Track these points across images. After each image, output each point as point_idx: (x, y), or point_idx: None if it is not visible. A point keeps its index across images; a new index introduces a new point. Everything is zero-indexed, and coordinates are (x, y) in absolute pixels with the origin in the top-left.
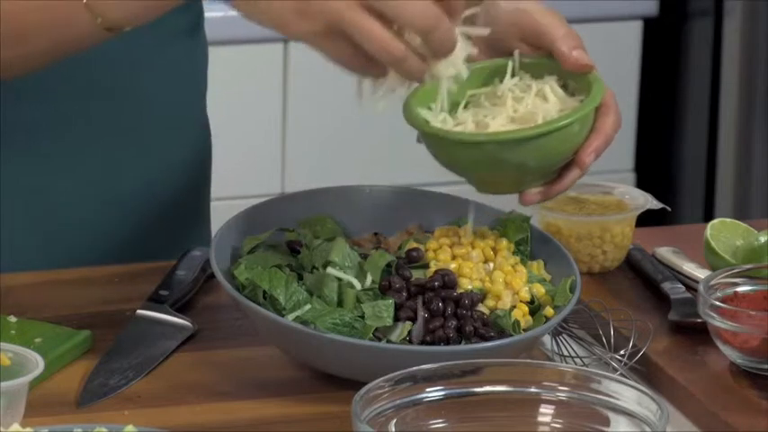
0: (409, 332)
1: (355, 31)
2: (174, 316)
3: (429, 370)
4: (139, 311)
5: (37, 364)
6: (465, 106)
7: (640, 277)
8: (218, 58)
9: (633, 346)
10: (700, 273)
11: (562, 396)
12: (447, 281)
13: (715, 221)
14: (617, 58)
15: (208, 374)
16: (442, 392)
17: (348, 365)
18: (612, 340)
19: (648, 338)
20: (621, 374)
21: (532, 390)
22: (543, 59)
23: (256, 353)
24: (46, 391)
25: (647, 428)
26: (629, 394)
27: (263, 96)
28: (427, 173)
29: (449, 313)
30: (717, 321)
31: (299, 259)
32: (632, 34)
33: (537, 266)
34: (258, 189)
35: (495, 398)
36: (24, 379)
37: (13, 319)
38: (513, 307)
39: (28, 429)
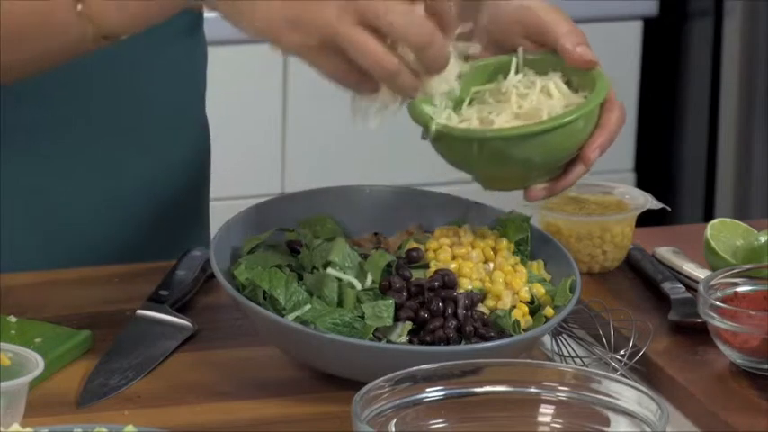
0: (409, 332)
1: (349, 46)
2: (174, 316)
3: (429, 370)
4: (139, 311)
5: (37, 364)
6: (469, 103)
7: (640, 277)
8: (218, 58)
9: (633, 346)
10: (700, 273)
11: (562, 396)
12: (447, 281)
13: (715, 221)
14: (617, 58)
15: (208, 374)
16: (442, 392)
17: (348, 365)
18: (612, 340)
19: (648, 338)
20: (621, 374)
21: (532, 390)
22: (547, 56)
23: (256, 353)
24: (46, 391)
25: (647, 428)
26: (629, 394)
27: (263, 96)
28: (427, 173)
29: (449, 313)
30: (717, 321)
31: (299, 259)
32: (632, 34)
33: (537, 266)
34: (258, 189)
35: (495, 398)
36: (24, 379)
37: (13, 319)
38: (513, 307)
39: (28, 429)
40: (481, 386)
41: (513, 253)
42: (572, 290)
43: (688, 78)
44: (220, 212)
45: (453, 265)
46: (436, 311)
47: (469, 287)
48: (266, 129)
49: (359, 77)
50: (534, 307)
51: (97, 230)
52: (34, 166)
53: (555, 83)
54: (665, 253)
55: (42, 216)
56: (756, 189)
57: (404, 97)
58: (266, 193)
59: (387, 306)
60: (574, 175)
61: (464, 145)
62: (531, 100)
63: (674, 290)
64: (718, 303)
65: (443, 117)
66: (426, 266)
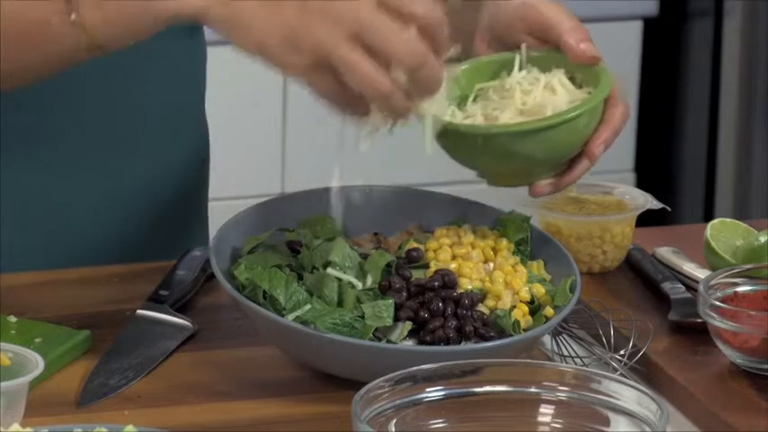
0: (409, 332)
1: (343, 65)
2: (174, 316)
3: (429, 370)
4: (139, 311)
5: (37, 364)
6: (473, 100)
7: (640, 277)
8: (218, 58)
9: (633, 346)
10: (700, 273)
11: (562, 396)
12: (447, 281)
13: (715, 221)
14: (617, 58)
15: (208, 374)
16: (442, 392)
17: (348, 365)
18: (612, 340)
19: (648, 338)
20: (621, 374)
21: (532, 390)
22: (550, 53)
23: (256, 353)
24: (46, 391)
25: (647, 428)
26: (629, 394)
27: (263, 96)
28: (427, 173)
29: (449, 313)
30: (717, 321)
31: (299, 259)
32: (632, 34)
33: (537, 266)
34: (258, 189)
35: (495, 398)
36: (24, 379)
37: (13, 319)
38: (513, 307)
39: (28, 429)
40: (481, 386)
41: (513, 253)
42: (572, 290)
43: (688, 78)
44: (220, 212)
45: (453, 265)
46: (436, 311)
47: (469, 287)
48: (266, 129)
49: (351, 99)
50: (534, 307)
51: (97, 230)
52: (34, 166)
53: (559, 79)
54: (665, 253)
55: (42, 216)
56: (756, 189)
57: (395, 119)
58: (266, 193)
59: (387, 306)
60: (578, 171)
61: (469, 141)
62: (535, 96)
63: (674, 290)
64: (718, 303)
65: (448, 114)
66: (426, 266)
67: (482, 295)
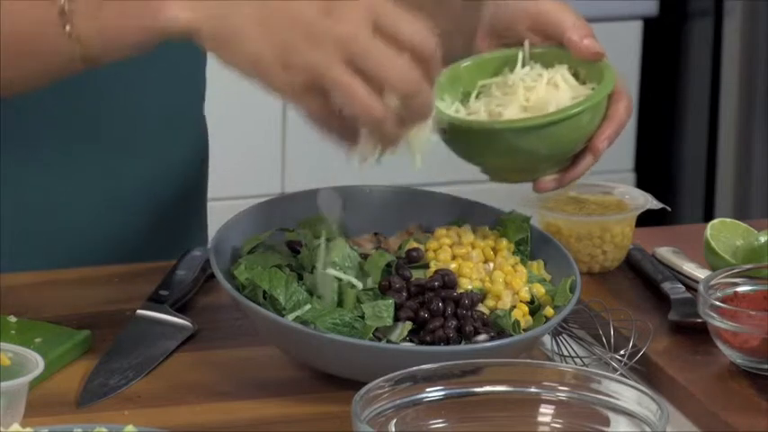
0: (409, 332)
1: (337, 88)
2: (174, 316)
3: (429, 370)
4: (139, 311)
5: (37, 364)
6: (476, 96)
7: (640, 277)
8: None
9: (633, 346)
10: (700, 273)
11: (562, 396)
12: (447, 281)
13: (715, 221)
14: (617, 58)
15: (208, 374)
16: (442, 392)
17: (348, 365)
18: (612, 340)
19: (648, 338)
20: (621, 374)
21: (532, 390)
22: (553, 49)
23: (256, 353)
24: (46, 391)
25: (647, 428)
26: (629, 394)
27: (263, 96)
28: (427, 173)
29: (449, 313)
30: (717, 321)
31: (299, 259)
32: (632, 34)
33: (537, 266)
34: (258, 189)
35: (495, 398)
36: (24, 379)
37: (13, 319)
38: (513, 307)
39: (28, 429)
40: (481, 386)
41: (513, 253)
42: (572, 290)
43: (688, 78)
44: (220, 212)
45: (453, 265)
46: (436, 311)
47: (469, 287)
48: (266, 129)
49: (341, 125)
50: (534, 307)
51: (97, 231)
52: (34, 166)
53: (562, 75)
54: (665, 253)
55: (42, 216)
56: (756, 189)
57: (384, 146)
58: (266, 193)
59: (387, 306)
60: (583, 166)
61: (473, 137)
62: (539, 92)
63: (674, 290)
64: (718, 303)
65: (452, 110)
66: (426, 266)
67: (482, 295)
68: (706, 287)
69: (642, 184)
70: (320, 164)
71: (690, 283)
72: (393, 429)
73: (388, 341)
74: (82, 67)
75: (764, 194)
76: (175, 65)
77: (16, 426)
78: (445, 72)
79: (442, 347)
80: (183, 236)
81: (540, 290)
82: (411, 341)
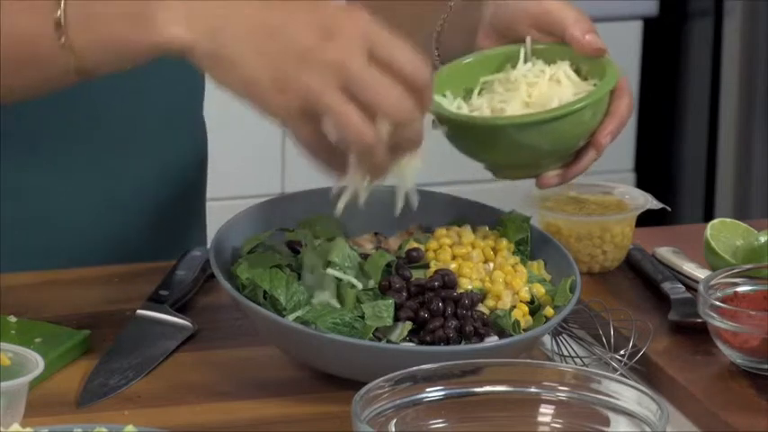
0: (409, 332)
1: (330, 112)
2: (174, 316)
3: (429, 370)
4: (139, 311)
5: (37, 364)
6: (479, 93)
7: (640, 277)
8: None
9: (633, 346)
10: (700, 273)
11: (562, 396)
12: (447, 281)
13: (715, 221)
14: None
15: (208, 374)
16: (442, 392)
17: (348, 365)
18: (612, 340)
19: (648, 338)
20: (621, 374)
21: (532, 390)
22: (554, 46)
23: (256, 353)
24: (46, 391)
25: (647, 428)
26: (629, 394)
27: None
28: (427, 173)
29: (449, 313)
30: (717, 321)
31: (299, 259)
32: (632, 34)
33: (537, 266)
34: (258, 189)
35: (495, 398)
36: (24, 379)
37: (13, 319)
38: (513, 307)
39: (28, 429)
40: (481, 386)
41: (513, 253)
42: (572, 290)
43: (688, 78)
44: (220, 212)
45: (453, 265)
46: (436, 311)
47: (469, 287)
48: (266, 129)
49: (330, 152)
50: (534, 307)
51: (97, 231)
52: (34, 167)
53: (564, 71)
54: (665, 253)
55: (42, 217)
56: (756, 189)
57: (373, 175)
58: (266, 193)
59: (387, 306)
60: (585, 162)
61: (476, 133)
62: (541, 88)
63: (674, 290)
64: (718, 303)
65: (454, 106)
66: (426, 266)
67: (482, 295)
68: (706, 287)
69: (642, 184)
70: None
71: (690, 283)
72: (393, 429)
73: (388, 341)
74: (76, 79)
75: (764, 194)
76: (175, 66)
77: (16, 426)
78: (447, 68)
79: (442, 347)
80: (182, 236)
81: (540, 290)
82: (411, 341)
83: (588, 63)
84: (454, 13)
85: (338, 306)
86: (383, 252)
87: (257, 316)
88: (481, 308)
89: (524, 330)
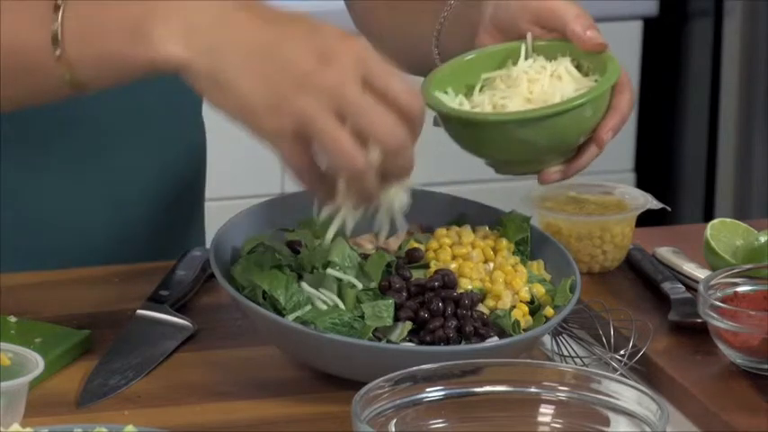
0: (409, 332)
1: (323, 136)
2: (174, 316)
3: (429, 370)
4: (139, 311)
5: (37, 364)
6: (480, 89)
7: (640, 277)
8: None
9: (633, 346)
10: (700, 273)
11: (562, 396)
12: (447, 281)
13: (715, 221)
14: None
15: (208, 374)
16: (442, 392)
17: (348, 365)
18: (612, 340)
19: (648, 338)
20: (621, 374)
21: (532, 390)
22: (555, 42)
23: (256, 353)
24: (46, 391)
25: (647, 428)
26: (629, 394)
27: None
28: (427, 173)
29: (449, 313)
30: (717, 321)
31: (299, 259)
32: (632, 34)
33: (537, 266)
34: (258, 189)
35: (495, 398)
36: (24, 379)
37: (13, 319)
38: (513, 307)
39: (28, 429)
40: (481, 386)
41: (513, 253)
42: (572, 290)
43: (688, 78)
44: (220, 212)
45: (453, 265)
46: (436, 311)
47: (469, 287)
48: None
49: (320, 178)
50: (534, 307)
51: (97, 231)
52: (34, 167)
53: (565, 67)
54: (665, 253)
55: (42, 217)
56: (756, 189)
57: (360, 202)
58: (266, 193)
59: (387, 306)
60: (587, 157)
61: (477, 130)
62: (543, 84)
63: (674, 290)
64: (718, 303)
65: (456, 103)
66: (426, 266)
67: (482, 295)
68: (706, 287)
69: (642, 184)
70: None
71: (690, 283)
72: (393, 429)
73: (388, 341)
74: (71, 92)
75: (764, 194)
76: None
77: (16, 426)
78: (448, 65)
79: (442, 347)
80: (182, 236)
81: (540, 290)
82: (411, 341)
83: (589, 59)
84: (454, 11)
85: (340, 304)
86: (383, 252)
87: (257, 316)
88: (481, 308)
89: (524, 330)
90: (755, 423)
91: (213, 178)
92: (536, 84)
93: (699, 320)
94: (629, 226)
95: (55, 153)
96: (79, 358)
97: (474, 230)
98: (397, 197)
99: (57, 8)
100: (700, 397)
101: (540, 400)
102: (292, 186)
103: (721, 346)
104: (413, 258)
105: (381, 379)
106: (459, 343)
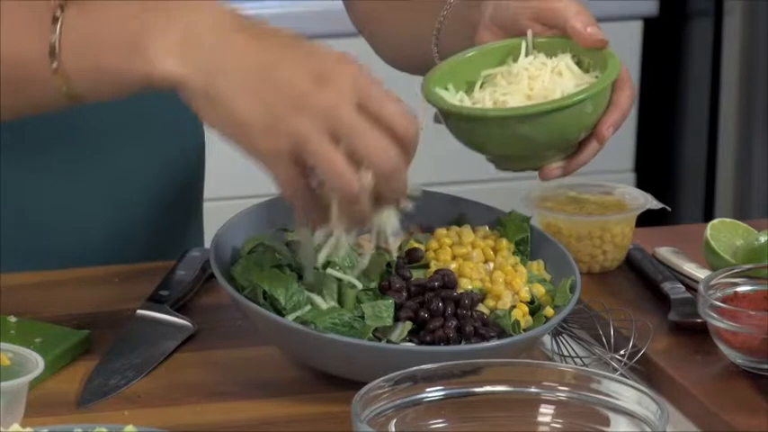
0: (409, 332)
1: (317, 157)
2: (174, 316)
3: (429, 370)
4: (139, 311)
5: (37, 364)
6: (481, 86)
7: (640, 277)
8: None
9: (633, 346)
10: (700, 273)
11: (562, 396)
12: (447, 281)
13: (715, 221)
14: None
15: (208, 374)
16: (442, 392)
17: (348, 365)
18: (612, 340)
19: (648, 338)
20: (621, 374)
21: (532, 390)
22: (555, 39)
23: (256, 353)
24: (46, 391)
25: (647, 428)
26: (629, 394)
27: None
28: (427, 173)
29: (449, 313)
30: (717, 321)
31: (299, 259)
32: (632, 34)
33: (537, 266)
34: (257, 189)
35: (495, 398)
36: (24, 379)
37: (13, 319)
38: (513, 307)
39: (28, 429)
40: (481, 386)
41: (513, 253)
42: (572, 290)
43: (688, 78)
44: (219, 212)
45: (453, 265)
46: (436, 311)
47: (469, 287)
48: None
49: (312, 200)
50: (534, 307)
51: (96, 231)
52: (34, 167)
53: (566, 63)
54: (665, 253)
55: (42, 217)
56: (756, 189)
57: (352, 225)
58: (266, 193)
59: (387, 306)
60: (588, 153)
61: (478, 125)
62: (543, 81)
63: (674, 290)
64: (718, 303)
65: (456, 99)
66: (426, 266)
67: (482, 295)
68: (706, 287)
69: (642, 184)
70: None
71: (690, 283)
72: (393, 429)
73: (388, 341)
74: (67, 104)
75: (764, 194)
76: None
77: (16, 426)
78: (449, 62)
79: (442, 347)
80: (181, 236)
81: (540, 290)
82: (411, 341)
83: (590, 55)
84: (453, 10)
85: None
86: (383, 252)
87: (257, 316)
88: (481, 308)
89: (524, 330)
90: (755, 423)
91: (212, 178)
92: (537, 80)
93: (699, 320)
94: (629, 226)
95: (55, 154)
96: (79, 358)
97: (474, 230)
98: (389, 220)
99: (55, 20)
100: (700, 397)
101: (540, 400)
102: None
103: (721, 346)
104: (413, 258)
105: (381, 379)
106: (459, 343)
